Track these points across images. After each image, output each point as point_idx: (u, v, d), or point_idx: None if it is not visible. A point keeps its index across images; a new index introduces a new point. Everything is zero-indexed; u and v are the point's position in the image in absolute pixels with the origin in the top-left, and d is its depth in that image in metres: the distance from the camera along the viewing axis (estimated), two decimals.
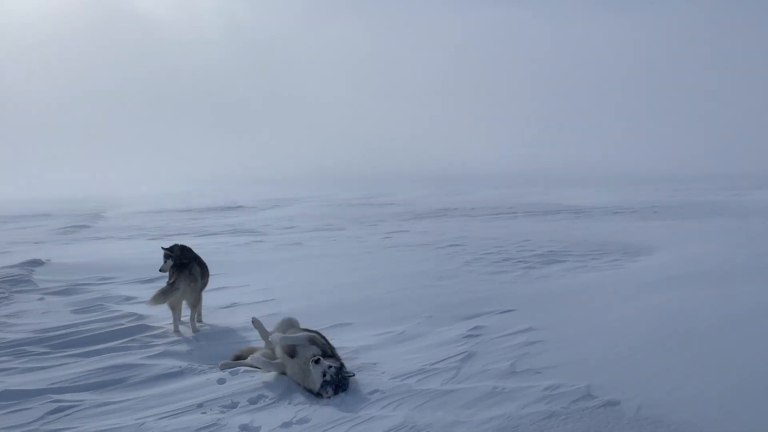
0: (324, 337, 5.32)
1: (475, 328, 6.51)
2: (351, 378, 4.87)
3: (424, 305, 7.58)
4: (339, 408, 4.49)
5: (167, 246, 7.13)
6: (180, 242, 7.31)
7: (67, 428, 4.18)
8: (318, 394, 4.69)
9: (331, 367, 4.71)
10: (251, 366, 5.31)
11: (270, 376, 5.11)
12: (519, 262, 11.07)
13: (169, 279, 6.69)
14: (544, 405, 4.47)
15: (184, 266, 6.78)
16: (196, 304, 6.81)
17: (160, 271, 7.03)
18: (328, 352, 5.06)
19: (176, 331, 6.56)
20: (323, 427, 4.15)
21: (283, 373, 5.05)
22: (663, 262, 10.56)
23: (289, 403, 4.60)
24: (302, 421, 4.24)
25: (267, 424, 4.20)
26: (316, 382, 4.68)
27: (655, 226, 17.21)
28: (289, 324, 5.56)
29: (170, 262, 6.90)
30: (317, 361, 4.71)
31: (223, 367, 5.32)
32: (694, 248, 12.13)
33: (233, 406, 4.56)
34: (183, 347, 6.04)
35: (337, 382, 4.68)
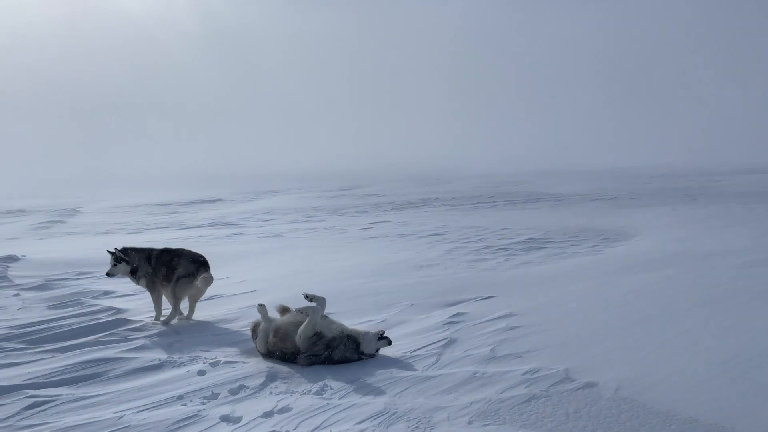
0: None
1: (455, 315, 6.56)
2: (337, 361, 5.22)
3: (405, 293, 7.60)
4: (320, 396, 4.49)
5: (119, 248, 6.83)
6: (129, 244, 7.06)
7: (44, 423, 4.11)
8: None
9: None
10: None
11: (250, 366, 5.09)
12: (499, 249, 11.15)
13: (185, 271, 6.64)
14: (524, 389, 4.52)
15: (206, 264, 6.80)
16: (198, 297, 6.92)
17: (107, 275, 6.73)
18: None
19: (168, 323, 6.56)
20: (304, 415, 4.15)
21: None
22: (640, 248, 10.72)
23: (270, 393, 4.59)
24: (283, 410, 4.24)
25: (248, 414, 4.19)
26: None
27: (632, 212, 17.46)
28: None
29: (123, 266, 6.68)
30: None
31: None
32: (670, 233, 12.34)
33: (214, 397, 4.54)
34: (163, 340, 5.98)
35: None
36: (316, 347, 5.19)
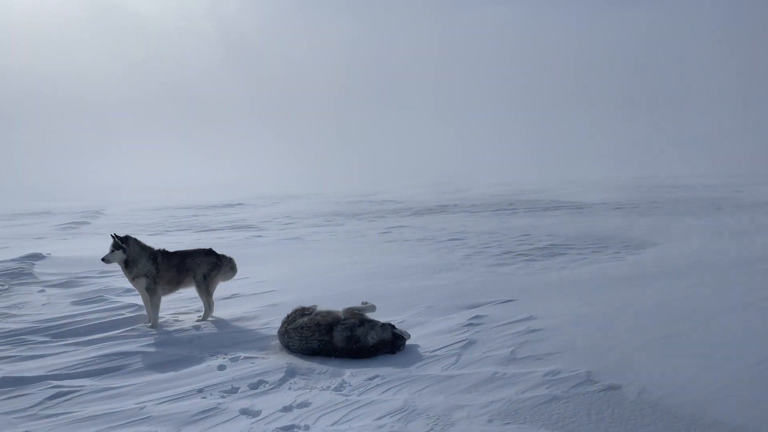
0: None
1: (475, 317, 6.51)
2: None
3: (424, 296, 7.57)
4: (339, 392, 4.48)
5: (120, 234, 6.53)
6: (134, 235, 6.67)
7: (67, 413, 4.17)
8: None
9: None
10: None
11: (270, 362, 5.11)
12: (519, 255, 11.06)
13: (209, 266, 6.78)
14: (545, 389, 4.46)
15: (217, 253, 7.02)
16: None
17: (102, 260, 6.39)
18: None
19: (206, 319, 6.66)
20: (323, 410, 4.15)
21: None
22: (663, 255, 10.56)
23: (289, 389, 4.59)
24: (302, 405, 4.24)
25: (267, 408, 4.20)
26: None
27: (655, 220, 17.21)
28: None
29: (120, 254, 6.34)
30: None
31: None
32: (695, 241, 12.13)
33: (233, 391, 4.56)
34: (183, 336, 6.03)
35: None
36: (350, 320, 5.46)
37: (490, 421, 3.96)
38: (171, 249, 6.93)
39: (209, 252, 6.91)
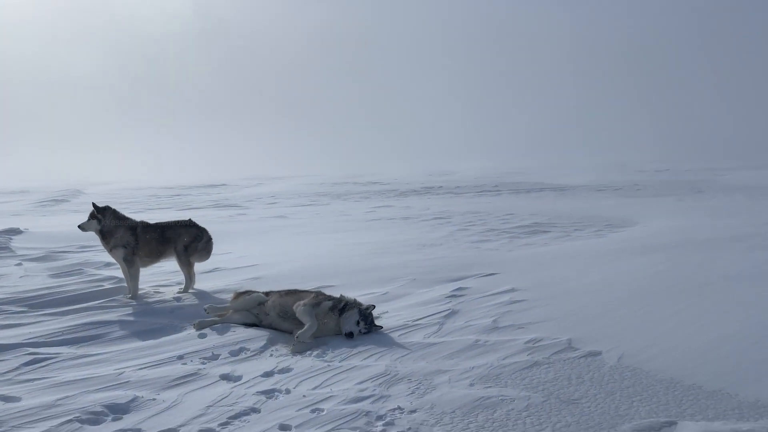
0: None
1: (458, 289, 6.52)
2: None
3: (408, 269, 7.56)
4: (321, 359, 4.47)
5: (99, 204, 6.52)
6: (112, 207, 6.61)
7: (44, 378, 4.10)
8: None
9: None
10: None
11: (251, 331, 5.07)
12: (503, 232, 11.10)
13: (190, 238, 6.64)
14: (527, 356, 4.48)
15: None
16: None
17: (78, 227, 6.46)
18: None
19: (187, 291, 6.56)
20: (305, 375, 4.13)
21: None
22: (645, 232, 10.66)
23: (271, 355, 4.57)
24: (284, 371, 4.21)
25: (248, 374, 4.16)
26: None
27: (637, 201, 17.39)
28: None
29: (95, 224, 6.35)
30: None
31: (199, 327, 5.20)
32: (676, 220, 12.26)
33: (214, 357, 4.52)
34: (164, 306, 5.97)
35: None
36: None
37: (471, 385, 3.97)
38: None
39: (189, 223, 6.81)
